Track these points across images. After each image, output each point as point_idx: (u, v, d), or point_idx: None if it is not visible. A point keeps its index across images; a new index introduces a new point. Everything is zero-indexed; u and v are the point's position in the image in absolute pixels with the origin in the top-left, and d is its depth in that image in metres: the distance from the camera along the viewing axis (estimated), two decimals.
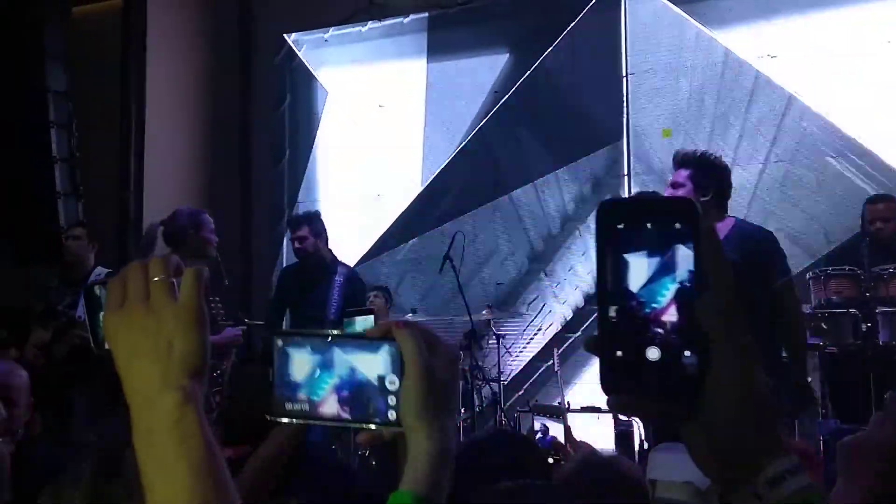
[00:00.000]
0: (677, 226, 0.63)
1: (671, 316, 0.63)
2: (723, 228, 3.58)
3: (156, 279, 0.82)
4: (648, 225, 0.63)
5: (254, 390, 2.64)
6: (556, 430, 5.00)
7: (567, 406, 5.26)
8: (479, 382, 5.58)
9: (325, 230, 5.27)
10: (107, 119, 6.99)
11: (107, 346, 0.85)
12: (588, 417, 5.15)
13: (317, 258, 5.19)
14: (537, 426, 5.15)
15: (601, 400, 5.08)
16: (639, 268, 0.64)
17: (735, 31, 6.21)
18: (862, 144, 5.77)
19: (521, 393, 6.36)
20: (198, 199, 7.40)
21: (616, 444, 4.89)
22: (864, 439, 1.23)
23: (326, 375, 0.84)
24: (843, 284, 4.38)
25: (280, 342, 0.86)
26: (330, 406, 0.83)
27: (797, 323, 3.67)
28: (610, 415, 4.96)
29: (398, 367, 0.82)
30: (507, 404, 5.97)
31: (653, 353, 0.63)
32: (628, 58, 6.50)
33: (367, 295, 5.46)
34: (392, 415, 0.82)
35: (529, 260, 6.72)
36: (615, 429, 4.98)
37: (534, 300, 6.66)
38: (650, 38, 6.48)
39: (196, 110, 7.53)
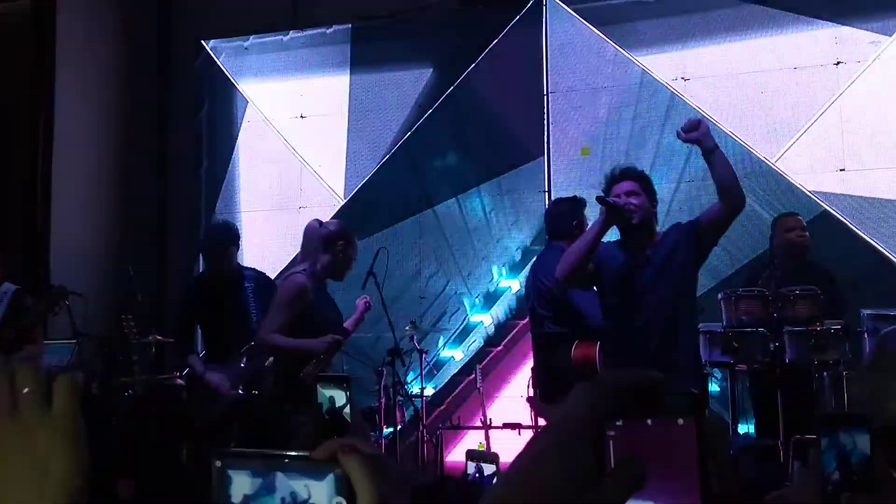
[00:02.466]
0: None
1: None
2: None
3: (25, 391, 0.73)
4: None
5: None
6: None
7: (489, 423, 5.31)
8: (402, 399, 5.58)
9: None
10: (14, 125, 6.68)
11: None
12: (510, 433, 5.21)
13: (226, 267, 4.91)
14: (471, 470, 5.15)
15: (523, 415, 5.15)
16: None
17: (651, 54, 6.41)
18: (770, 165, 6.04)
19: (442, 408, 6.39)
20: (111, 209, 7.16)
21: None
22: (788, 496, 1.29)
23: (268, 501, 0.81)
24: (752, 305, 4.57)
25: (218, 463, 0.81)
26: None
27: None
28: (531, 430, 5.03)
29: (346, 494, 0.80)
30: (429, 420, 5.99)
31: None
32: (549, 76, 6.63)
33: None
34: None
35: (452, 274, 6.76)
36: None
37: (455, 312, 6.70)
38: (570, 57, 6.62)
39: (110, 117, 7.27)
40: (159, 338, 5.81)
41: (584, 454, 0.61)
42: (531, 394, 4.57)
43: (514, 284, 6.59)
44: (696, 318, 3.85)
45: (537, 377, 4.30)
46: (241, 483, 0.78)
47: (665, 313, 3.50)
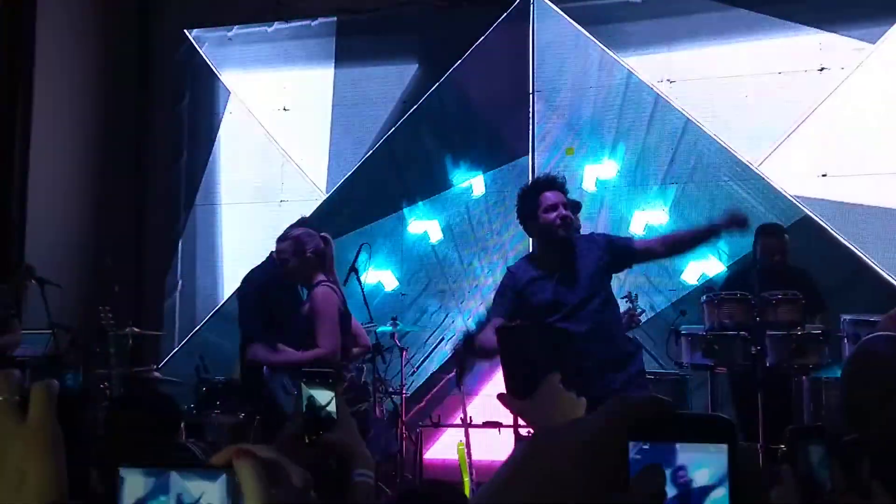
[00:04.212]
0: None
1: None
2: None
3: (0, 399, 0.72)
4: None
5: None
6: None
7: (469, 421, 5.29)
8: (381, 396, 5.54)
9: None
10: None
11: None
12: (490, 432, 5.20)
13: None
14: None
15: (503, 414, 5.14)
16: None
17: (637, 56, 6.42)
18: (753, 169, 6.07)
19: (422, 405, 6.37)
20: (89, 200, 7.05)
21: None
22: None
23: (161, 501, 0.79)
24: (734, 309, 4.59)
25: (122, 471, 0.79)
26: None
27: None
28: (511, 429, 5.02)
29: (236, 497, 0.78)
30: (408, 417, 5.96)
31: None
32: (535, 75, 6.61)
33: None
34: None
35: (434, 272, 6.73)
36: (516, 443, 5.05)
37: (436, 311, 6.67)
38: (556, 57, 6.61)
39: (89, 106, 7.16)
40: (136, 329, 5.73)
41: (605, 467, 0.61)
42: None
43: (494, 283, 6.56)
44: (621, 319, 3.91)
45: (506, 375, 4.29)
46: (135, 483, 0.77)
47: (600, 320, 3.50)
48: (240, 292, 4.77)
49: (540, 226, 3.51)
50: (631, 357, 3.59)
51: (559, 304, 3.45)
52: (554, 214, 3.47)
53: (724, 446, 0.61)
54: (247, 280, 4.80)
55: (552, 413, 1.33)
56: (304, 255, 4.02)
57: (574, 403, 1.36)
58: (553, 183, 3.57)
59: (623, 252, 3.62)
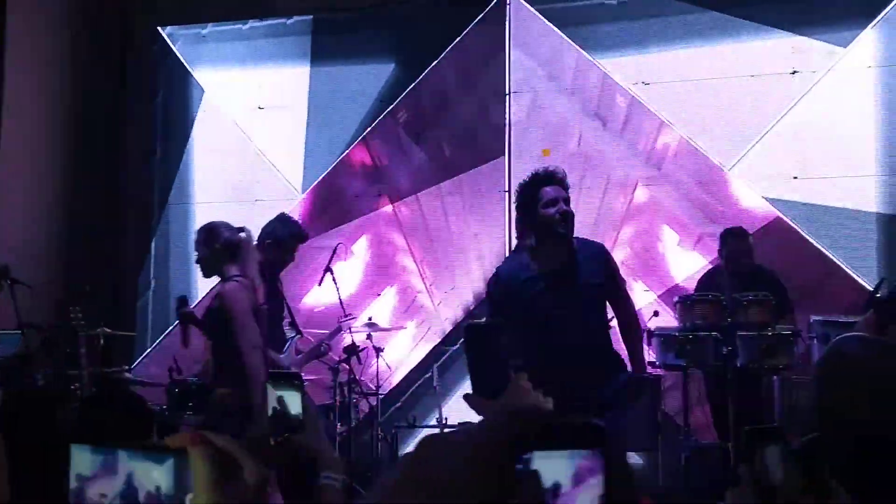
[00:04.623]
0: None
1: None
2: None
3: None
4: None
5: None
6: None
7: (445, 421, 5.30)
8: (357, 396, 5.54)
9: None
10: None
11: None
12: None
13: None
14: None
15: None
16: None
17: (612, 57, 6.45)
18: (725, 171, 6.13)
19: (398, 406, 6.36)
20: (61, 198, 6.97)
21: None
22: None
23: (108, 482, 0.78)
24: (706, 310, 4.64)
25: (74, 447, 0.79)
26: None
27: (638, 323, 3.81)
28: None
29: (183, 479, 0.77)
30: (384, 417, 5.96)
31: None
32: (511, 76, 6.63)
33: None
34: None
35: (411, 272, 6.73)
36: None
37: (409, 310, 6.67)
38: (532, 58, 6.63)
39: (61, 103, 7.06)
40: (108, 330, 5.67)
41: (489, 474, 0.64)
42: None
43: (472, 285, 6.57)
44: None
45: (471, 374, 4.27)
46: (83, 460, 0.76)
47: (591, 327, 3.45)
48: None
49: (539, 221, 3.42)
50: (617, 368, 3.53)
51: (555, 307, 3.36)
52: (553, 209, 3.40)
53: (598, 451, 0.65)
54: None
55: (517, 416, 1.33)
56: (213, 247, 3.88)
57: (540, 405, 1.36)
58: (553, 177, 3.48)
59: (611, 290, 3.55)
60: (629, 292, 3.81)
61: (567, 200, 3.47)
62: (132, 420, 2.66)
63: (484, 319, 4.05)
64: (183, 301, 4.37)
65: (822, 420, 1.86)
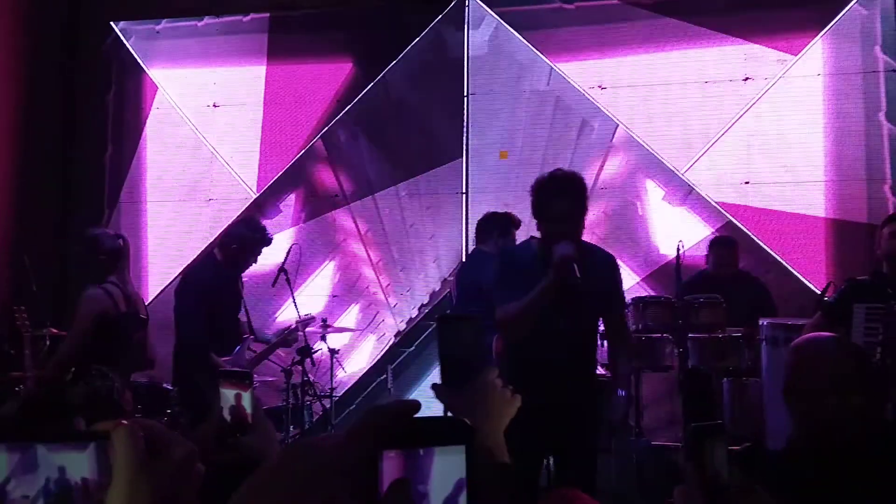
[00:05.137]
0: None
1: None
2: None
3: None
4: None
5: None
6: None
7: None
8: (310, 398, 5.47)
9: None
10: None
11: None
12: None
13: None
14: None
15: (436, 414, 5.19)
16: None
17: (570, 62, 6.49)
18: (679, 175, 6.20)
19: (352, 408, 6.31)
20: (7, 195, 6.78)
21: None
22: None
23: (29, 480, 0.72)
24: (658, 312, 4.69)
25: None
26: None
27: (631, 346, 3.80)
28: None
29: (105, 464, 0.73)
30: (338, 420, 5.90)
31: None
32: (469, 78, 6.63)
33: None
34: None
35: (367, 273, 6.68)
36: None
37: (361, 309, 6.63)
38: (490, 60, 6.64)
39: (10, 98, 6.87)
40: (54, 331, 5.52)
41: (353, 475, 0.63)
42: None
43: (428, 286, 6.55)
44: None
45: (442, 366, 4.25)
46: None
47: (583, 327, 3.35)
48: (178, 293, 4.67)
49: (545, 234, 3.26)
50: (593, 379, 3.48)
51: (552, 310, 3.17)
52: (559, 228, 3.18)
53: (462, 447, 0.64)
54: (185, 281, 4.75)
55: (483, 409, 1.31)
56: (96, 258, 4.03)
57: (507, 401, 1.35)
58: (564, 189, 3.23)
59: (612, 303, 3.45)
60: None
61: (576, 215, 3.21)
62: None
63: (458, 313, 4.03)
64: None
65: (796, 401, 1.97)
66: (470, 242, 6.07)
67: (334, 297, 6.65)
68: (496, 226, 4.94)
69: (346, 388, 6.38)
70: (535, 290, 3.13)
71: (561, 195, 3.21)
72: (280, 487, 0.63)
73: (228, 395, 1.70)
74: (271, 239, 4.78)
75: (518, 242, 3.68)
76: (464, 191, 6.50)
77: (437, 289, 6.51)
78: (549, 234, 3.21)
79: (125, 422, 0.71)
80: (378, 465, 0.63)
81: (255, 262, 4.72)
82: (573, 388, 3.21)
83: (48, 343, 5.48)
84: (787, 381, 2.03)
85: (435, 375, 6.07)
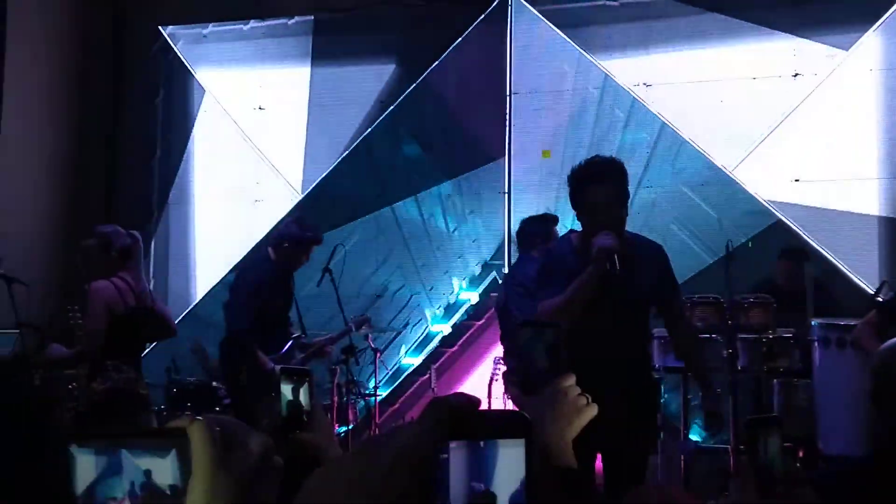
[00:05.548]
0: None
1: None
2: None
3: None
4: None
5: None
6: None
7: None
8: (354, 397, 5.51)
9: None
10: None
11: None
12: None
13: None
14: None
15: None
16: None
17: (614, 59, 6.43)
18: (727, 173, 6.10)
19: (395, 407, 6.34)
20: (60, 197, 6.95)
21: None
22: None
23: (115, 483, 0.74)
24: (706, 311, 4.61)
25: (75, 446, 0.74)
26: None
27: (700, 346, 3.65)
28: None
29: (187, 469, 0.74)
30: (382, 419, 5.94)
31: None
32: (512, 77, 6.61)
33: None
34: None
35: (410, 274, 6.71)
36: None
37: (404, 310, 6.65)
38: (533, 59, 6.61)
39: (61, 103, 7.05)
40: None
41: (421, 469, 0.64)
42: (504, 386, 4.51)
43: (472, 296, 6.55)
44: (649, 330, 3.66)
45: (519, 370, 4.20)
46: (86, 464, 0.74)
47: (628, 323, 3.21)
48: (232, 289, 4.77)
49: (585, 226, 3.16)
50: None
51: (595, 307, 3.04)
52: (598, 219, 3.07)
53: (522, 441, 0.65)
54: (239, 277, 4.86)
55: (550, 414, 1.31)
56: (109, 254, 4.09)
57: (580, 408, 1.34)
58: (602, 175, 3.12)
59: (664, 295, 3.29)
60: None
61: (615, 203, 3.06)
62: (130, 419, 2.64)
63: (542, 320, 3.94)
64: None
65: (885, 404, 1.93)
66: (513, 243, 6.04)
67: (378, 297, 6.68)
68: (538, 233, 4.73)
69: (391, 388, 6.41)
70: (574, 284, 3.01)
71: (598, 182, 3.04)
72: (355, 483, 0.64)
73: (287, 391, 1.72)
74: (321, 238, 4.83)
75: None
76: (506, 190, 6.48)
77: (479, 290, 6.51)
78: (588, 224, 3.09)
79: (199, 418, 0.72)
80: (442, 458, 0.64)
81: (307, 260, 4.77)
82: (616, 389, 2.97)
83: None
84: (875, 386, 1.96)
85: (477, 374, 6.09)
